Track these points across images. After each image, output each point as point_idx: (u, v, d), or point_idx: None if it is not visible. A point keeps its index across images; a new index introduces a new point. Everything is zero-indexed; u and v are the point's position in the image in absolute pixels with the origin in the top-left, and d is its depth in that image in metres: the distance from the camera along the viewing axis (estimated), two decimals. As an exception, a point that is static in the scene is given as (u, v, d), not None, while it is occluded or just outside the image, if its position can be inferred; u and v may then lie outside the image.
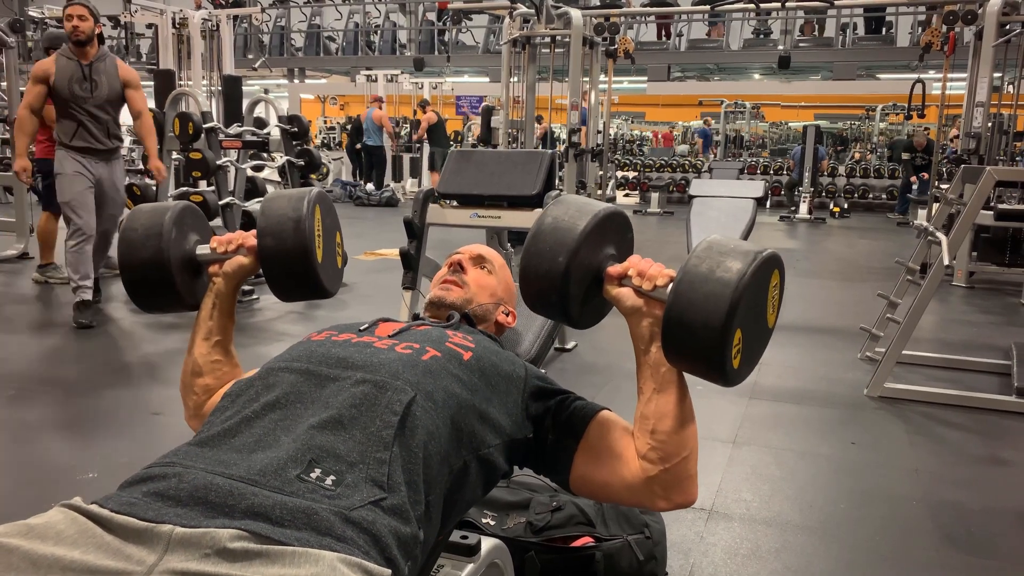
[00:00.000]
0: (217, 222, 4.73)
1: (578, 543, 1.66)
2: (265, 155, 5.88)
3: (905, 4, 9.74)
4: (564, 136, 6.99)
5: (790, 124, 17.73)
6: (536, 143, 7.37)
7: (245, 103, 6.30)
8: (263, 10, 10.47)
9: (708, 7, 7.70)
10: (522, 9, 6.52)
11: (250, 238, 1.28)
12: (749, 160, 13.89)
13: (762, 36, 14.15)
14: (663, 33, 14.51)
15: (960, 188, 3.93)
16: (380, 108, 12.27)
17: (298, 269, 1.24)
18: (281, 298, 1.31)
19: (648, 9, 11.87)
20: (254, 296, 4.76)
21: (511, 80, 6.76)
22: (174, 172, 5.89)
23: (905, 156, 11.27)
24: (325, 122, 16.41)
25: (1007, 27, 5.77)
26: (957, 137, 7.40)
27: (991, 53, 5.77)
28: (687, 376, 1.10)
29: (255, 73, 14.15)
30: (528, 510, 1.72)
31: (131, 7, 9.53)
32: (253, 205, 5.05)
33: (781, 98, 16.33)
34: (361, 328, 1.20)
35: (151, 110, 4.62)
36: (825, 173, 12.37)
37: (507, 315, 1.45)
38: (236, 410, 1.02)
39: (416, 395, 1.01)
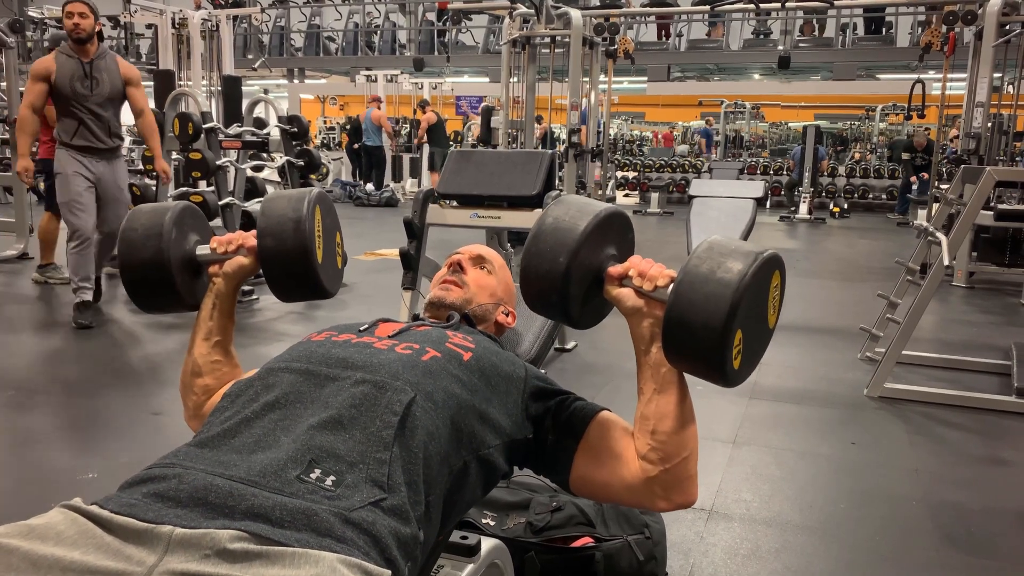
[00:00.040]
0: (217, 222, 4.73)
1: (578, 543, 1.66)
2: (265, 155, 5.88)
3: (905, 4, 9.74)
4: (564, 136, 6.99)
5: (790, 124, 17.74)
6: (536, 143, 7.38)
7: (245, 103, 6.30)
8: (263, 10, 10.47)
9: (708, 7, 7.70)
10: (522, 9, 6.52)
11: (250, 238, 1.28)
12: (749, 160, 13.89)
13: (762, 36, 14.16)
14: (663, 33, 14.51)
15: (960, 188, 3.93)
16: (379, 108, 12.27)
17: (298, 269, 1.24)
18: (281, 298, 1.31)
19: (648, 9, 11.88)
20: (254, 296, 4.76)
21: (511, 80, 6.76)
22: (174, 172, 5.88)
23: (905, 156, 11.27)
24: (325, 122, 16.41)
25: (1007, 27, 5.77)
26: (957, 137, 7.40)
27: (991, 53, 5.77)
28: (687, 376, 1.10)
29: (255, 73, 14.16)
30: (528, 510, 1.72)
31: (131, 7, 9.53)
32: (253, 205, 5.05)
33: (781, 98, 16.34)
34: (361, 329, 1.20)
35: (151, 110, 4.61)
36: (825, 173, 12.37)
37: (507, 315, 1.45)
38: (236, 410, 1.02)
39: (416, 395, 1.01)
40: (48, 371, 3.49)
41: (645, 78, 14.91)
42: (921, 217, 7.38)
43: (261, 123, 5.99)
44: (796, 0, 7.52)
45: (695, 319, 0.98)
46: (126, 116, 4.34)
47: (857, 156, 14.40)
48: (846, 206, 11.85)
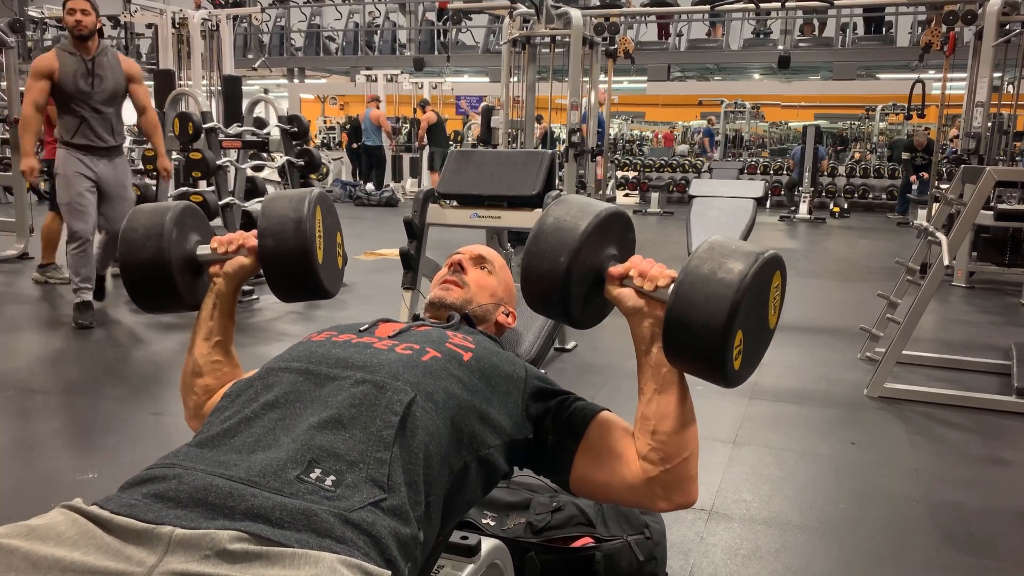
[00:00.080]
0: (217, 222, 4.73)
1: (578, 543, 1.66)
2: (265, 155, 5.88)
3: (905, 4, 9.74)
4: (564, 136, 7.00)
5: (790, 124, 17.74)
6: (536, 143, 7.37)
7: (245, 103, 6.30)
8: (263, 10, 10.47)
9: (708, 7, 7.70)
10: (522, 9, 6.52)
11: (251, 238, 1.28)
12: (749, 160, 13.89)
13: (762, 36, 14.16)
14: (663, 34, 14.51)
15: (960, 188, 3.93)
16: (378, 107, 12.26)
17: (299, 270, 1.24)
18: (282, 298, 1.31)
19: (648, 9, 11.87)
20: (254, 296, 4.76)
21: (511, 80, 6.76)
22: (174, 172, 5.88)
23: (905, 156, 11.27)
24: (325, 122, 16.42)
25: (1007, 27, 5.76)
26: (957, 137, 7.40)
27: (991, 53, 5.77)
28: (688, 376, 1.10)
29: (255, 73, 14.15)
30: (528, 511, 1.72)
31: (131, 7, 9.53)
32: (253, 205, 5.05)
33: (781, 98, 16.34)
34: (361, 329, 1.20)
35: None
36: (825, 173, 12.37)
37: (507, 315, 1.45)
38: (235, 410, 1.02)
39: (416, 396, 1.01)
40: (48, 371, 3.49)
41: (645, 78, 14.90)
42: (921, 217, 7.38)
43: (261, 123, 6.00)
44: (796, 0, 7.52)
45: (696, 319, 0.98)
46: (127, 116, 4.33)
47: (857, 156, 14.40)
48: (846, 206, 11.85)
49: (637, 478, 1.10)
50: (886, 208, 12.31)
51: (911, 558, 1.99)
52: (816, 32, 14.12)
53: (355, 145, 12.70)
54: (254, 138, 5.39)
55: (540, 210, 3.32)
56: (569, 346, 3.85)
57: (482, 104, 12.30)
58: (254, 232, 1.27)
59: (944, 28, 6.68)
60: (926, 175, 10.15)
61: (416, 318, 1.38)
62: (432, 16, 15.72)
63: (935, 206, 4.98)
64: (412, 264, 3.39)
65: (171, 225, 1.27)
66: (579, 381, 3.34)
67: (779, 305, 1.10)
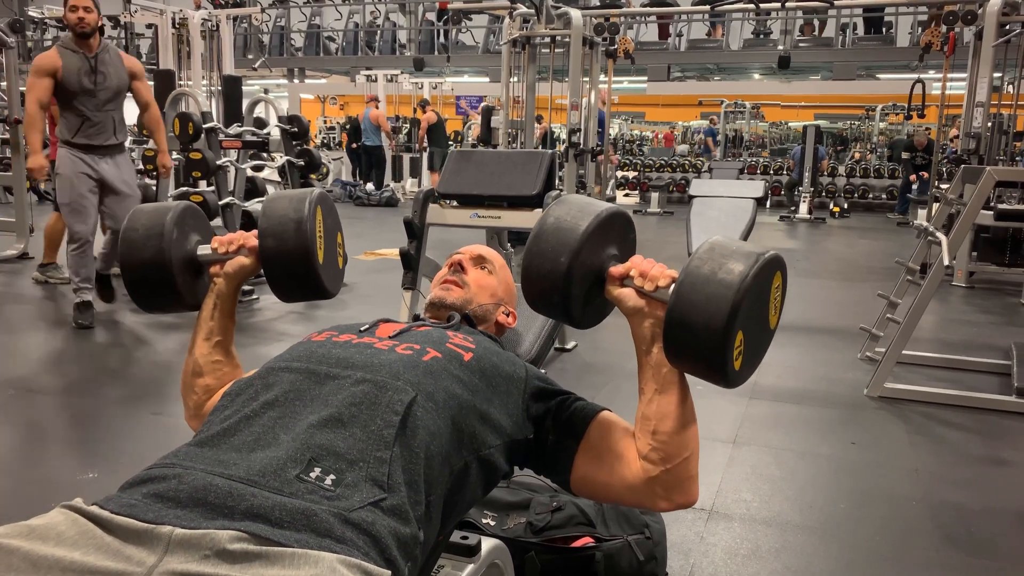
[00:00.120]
0: (217, 222, 4.72)
1: (578, 543, 1.66)
2: (265, 155, 5.88)
3: (905, 4, 9.74)
4: (564, 136, 7.00)
5: (790, 124, 17.74)
6: (536, 143, 7.38)
7: (245, 103, 6.30)
8: (263, 10, 10.47)
9: (708, 7, 7.70)
10: (522, 9, 6.53)
11: (251, 239, 1.28)
12: (749, 160, 13.89)
13: (762, 36, 14.16)
14: (663, 34, 14.52)
15: (960, 188, 3.93)
16: (377, 107, 12.25)
17: (299, 270, 1.24)
18: (282, 299, 1.31)
19: (648, 9, 11.88)
20: (254, 296, 4.76)
21: (511, 80, 6.76)
22: (174, 172, 5.88)
23: (905, 155, 11.27)
24: (325, 122, 16.41)
25: (1007, 27, 5.76)
26: (957, 137, 7.40)
27: (991, 53, 5.77)
28: (688, 376, 1.10)
29: (255, 73, 14.15)
30: (528, 510, 1.72)
31: (131, 7, 9.53)
32: (253, 205, 5.05)
33: (781, 98, 16.34)
34: (362, 329, 1.20)
35: None
36: (825, 173, 12.37)
37: (507, 315, 1.45)
38: (235, 409, 1.02)
39: (417, 395, 1.01)
40: (49, 371, 3.50)
41: (645, 78, 14.91)
42: (921, 217, 7.38)
43: (261, 123, 5.99)
44: (796, 0, 7.52)
45: (696, 320, 0.98)
46: (127, 116, 4.31)
47: (857, 156, 14.40)
48: (846, 206, 11.85)
49: (638, 478, 1.10)
50: (886, 208, 12.31)
51: (911, 558, 1.99)
52: (816, 32, 14.12)
53: (355, 145, 12.69)
54: (254, 138, 5.39)
55: (540, 210, 3.32)
56: (569, 346, 3.85)
57: (482, 104, 12.31)
58: (254, 232, 1.27)
59: (944, 28, 6.68)
60: (926, 175, 10.15)
61: (416, 318, 1.38)
62: (432, 16, 15.72)
63: (935, 206, 4.99)
64: (412, 264, 3.39)
65: (171, 225, 1.27)
66: (579, 381, 3.34)
67: (780, 306, 1.10)
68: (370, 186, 11.90)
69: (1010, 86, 6.31)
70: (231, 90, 7.16)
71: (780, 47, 13.04)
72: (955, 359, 3.76)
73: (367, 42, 16.15)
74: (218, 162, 4.76)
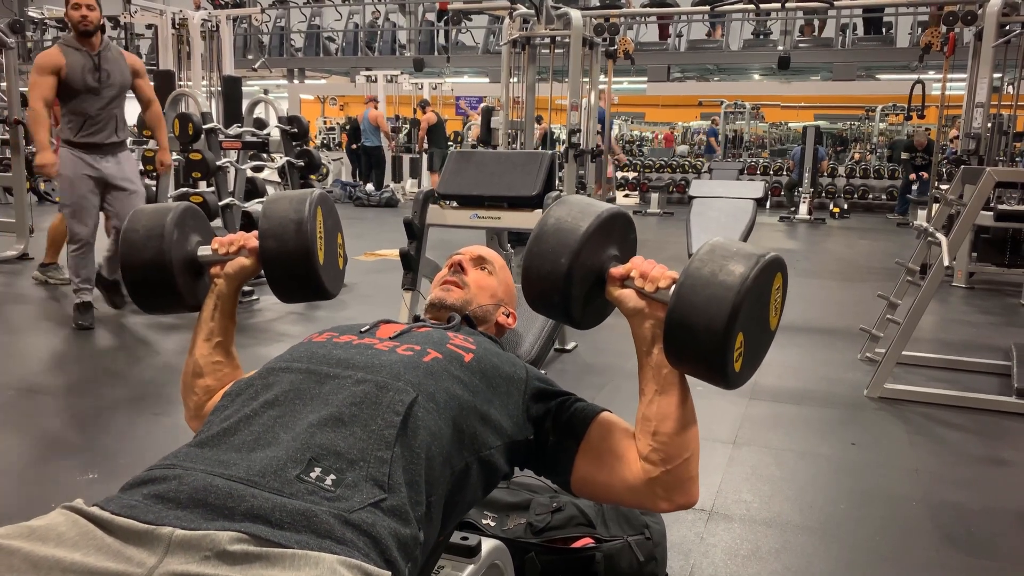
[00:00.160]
0: (217, 223, 4.72)
1: (578, 544, 1.66)
2: (265, 156, 5.88)
3: (905, 4, 9.74)
4: (564, 136, 7.00)
5: (790, 124, 17.74)
6: (536, 143, 7.38)
7: (245, 103, 6.30)
8: (263, 10, 10.47)
9: (708, 7, 7.70)
10: (522, 10, 6.53)
11: (251, 239, 1.28)
12: (749, 160, 13.89)
13: (762, 36, 14.17)
14: (663, 34, 14.53)
15: (960, 189, 3.93)
16: (376, 108, 12.25)
17: (300, 271, 1.24)
18: (282, 299, 1.31)
19: (648, 9, 11.88)
20: (254, 297, 4.76)
21: (511, 80, 6.77)
22: (174, 173, 5.88)
23: (905, 156, 11.27)
24: (325, 122, 16.41)
25: (1007, 27, 5.77)
26: (957, 138, 7.40)
27: (991, 54, 5.77)
28: (688, 377, 1.11)
29: (255, 73, 14.15)
30: (528, 511, 1.72)
31: (131, 7, 9.53)
32: (253, 206, 5.05)
33: (781, 98, 16.34)
34: (362, 330, 1.20)
35: None
36: (825, 174, 12.37)
37: (507, 316, 1.46)
38: (235, 409, 1.02)
39: (418, 396, 1.01)
40: (49, 372, 3.50)
41: (645, 78, 14.92)
42: (921, 217, 7.38)
43: (261, 123, 5.99)
44: (796, 0, 7.53)
45: (696, 321, 0.98)
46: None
47: (857, 156, 14.40)
48: (846, 206, 11.85)
49: (638, 479, 1.10)
50: (886, 209, 12.30)
51: (911, 558, 1.99)
52: (816, 33, 14.13)
53: (355, 146, 12.69)
54: (254, 139, 5.39)
55: (540, 211, 3.32)
56: (569, 347, 3.85)
57: (482, 105, 12.30)
58: (255, 233, 1.27)
59: (944, 29, 6.69)
60: (926, 175, 10.15)
61: (417, 319, 1.39)
62: (432, 16, 15.73)
63: (935, 207, 4.99)
64: (412, 265, 3.39)
65: (172, 226, 1.27)
66: (579, 382, 3.35)
67: (780, 307, 1.10)
68: (370, 187, 11.90)
69: (1010, 86, 6.31)
70: (231, 90, 7.15)
71: (780, 47, 13.04)
72: (955, 360, 3.76)
73: (367, 42, 16.15)
74: (218, 163, 4.76)
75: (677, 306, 1.00)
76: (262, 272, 1.27)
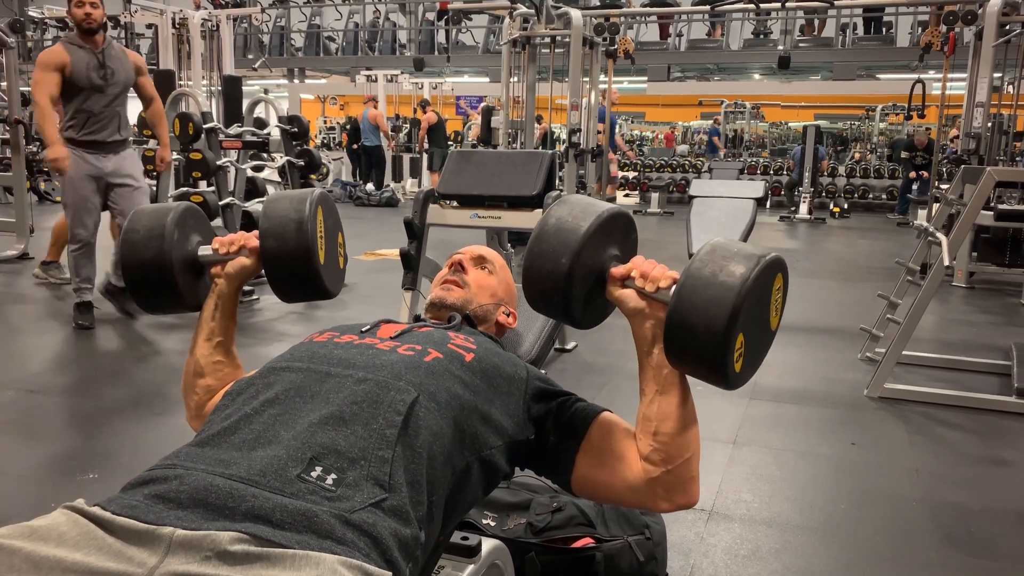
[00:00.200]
0: (217, 222, 4.72)
1: (578, 544, 1.67)
2: (265, 155, 5.88)
3: (905, 4, 9.74)
4: (564, 136, 7.00)
5: (790, 124, 17.74)
6: (536, 143, 7.38)
7: (245, 103, 6.30)
8: (263, 10, 10.48)
9: (708, 7, 7.70)
10: (522, 9, 6.53)
11: (252, 239, 1.28)
12: (749, 160, 13.89)
13: (762, 36, 14.16)
14: (663, 34, 14.53)
15: (960, 188, 3.93)
16: (375, 107, 12.24)
17: (300, 270, 1.24)
18: (283, 299, 1.31)
19: (648, 9, 11.88)
20: (254, 296, 4.76)
21: (511, 80, 6.77)
22: (174, 172, 5.88)
23: (905, 155, 11.28)
24: (325, 122, 16.42)
25: (1007, 27, 5.77)
26: (957, 137, 7.40)
27: (991, 53, 5.77)
28: (688, 377, 1.11)
29: (255, 73, 14.16)
30: (528, 511, 1.72)
31: (131, 7, 9.54)
32: (253, 205, 5.05)
33: (781, 98, 16.34)
34: (363, 330, 1.20)
35: None
36: (825, 173, 12.37)
37: (508, 316, 1.46)
38: (236, 408, 1.02)
39: (419, 396, 1.01)
40: (49, 371, 3.50)
41: (645, 78, 14.92)
42: (921, 217, 7.38)
43: (261, 123, 5.99)
44: (796, 0, 7.52)
45: (697, 322, 0.98)
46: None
47: (857, 156, 14.40)
48: (846, 206, 11.85)
49: (639, 479, 1.10)
50: (886, 208, 12.31)
51: (911, 558, 1.99)
52: (816, 32, 14.13)
53: (355, 146, 12.69)
54: (254, 138, 5.39)
55: (540, 210, 3.32)
56: (569, 346, 3.85)
57: (482, 104, 12.30)
58: (255, 233, 1.27)
59: (944, 28, 6.69)
60: (926, 174, 10.15)
61: (417, 318, 1.39)
62: (432, 16, 15.73)
63: (935, 206, 4.99)
64: (412, 264, 3.39)
65: (172, 226, 1.27)
66: (579, 381, 3.35)
67: (781, 307, 1.10)
68: (370, 186, 11.90)
69: (1010, 86, 6.31)
70: (231, 90, 7.15)
71: (780, 47, 13.05)
72: (955, 359, 3.76)
73: (367, 42, 16.15)
74: (218, 162, 4.76)
75: (677, 307, 1.00)
76: (263, 272, 1.27)
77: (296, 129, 5.63)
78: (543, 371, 1.37)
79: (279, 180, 6.46)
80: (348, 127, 13.84)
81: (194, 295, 1.32)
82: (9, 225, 6.09)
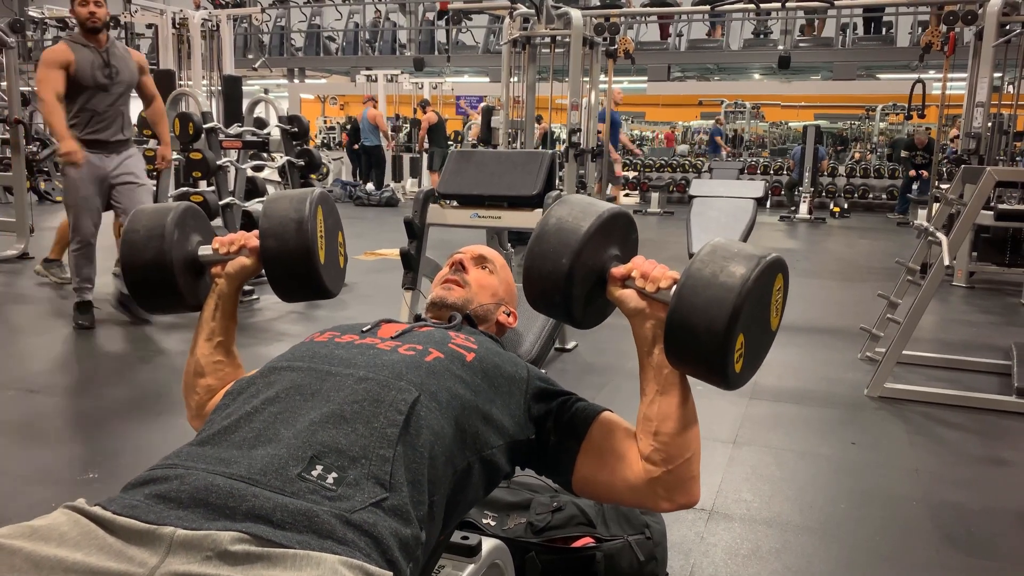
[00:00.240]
0: (217, 222, 4.72)
1: (579, 543, 1.67)
2: (265, 155, 5.88)
3: (905, 4, 9.74)
4: (564, 136, 7.00)
5: (790, 124, 17.74)
6: (536, 143, 7.38)
7: (245, 103, 6.30)
8: (263, 10, 10.48)
9: (708, 7, 7.70)
10: (522, 9, 6.53)
11: (252, 239, 1.28)
12: (749, 160, 13.90)
13: (762, 36, 14.16)
14: (664, 34, 14.53)
15: (960, 188, 3.93)
16: (374, 107, 12.25)
17: (300, 270, 1.24)
18: (283, 299, 1.31)
19: (648, 9, 11.88)
20: (254, 296, 4.76)
21: (511, 80, 6.77)
22: (174, 172, 5.89)
23: (905, 154, 11.28)
24: (325, 122, 16.42)
25: (1007, 27, 5.77)
26: (957, 137, 7.40)
27: (991, 53, 5.77)
28: (689, 377, 1.11)
29: (255, 73, 14.16)
30: (529, 511, 1.72)
31: (131, 7, 9.54)
32: (253, 205, 5.05)
33: (781, 98, 16.35)
34: (364, 329, 1.20)
35: None
36: (825, 173, 12.37)
37: (508, 315, 1.46)
38: (237, 407, 1.03)
39: (420, 395, 1.01)
40: (49, 371, 3.50)
41: (645, 78, 14.92)
42: (921, 217, 7.38)
43: (261, 123, 6.00)
44: (796, 0, 7.52)
45: (697, 323, 0.98)
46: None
47: (857, 156, 14.40)
48: (846, 206, 11.85)
49: (639, 479, 1.10)
50: (886, 208, 12.31)
51: (911, 558, 1.99)
52: (816, 32, 14.13)
53: (355, 146, 12.69)
54: (254, 138, 5.39)
55: (540, 210, 3.32)
56: (569, 346, 3.85)
57: (482, 104, 12.30)
58: (255, 232, 1.27)
59: (944, 28, 6.69)
60: (926, 173, 10.16)
61: (418, 318, 1.39)
62: (432, 16, 15.72)
63: (935, 206, 4.99)
64: (412, 264, 3.39)
65: (172, 226, 1.27)
66: (580, 381, 3.35)
67: (781, 308, 1.10)
68: (370, 186, 11.90)
69: (1010, 86, 6.31)
70: (231, 90, 7.16)
71: (780, 47, 13.05)
72: (955, 359, 3.76)
73: (367, 42, 16.15)
74: (218, 162, 4.76)
75: (678, 307, 1.00)
76: (263, 271, 1.27)
77: (296, 129, 5.63)
78: (543, 371, 1.37)
79: (279, 180, 6.47)
80: (348, 127, 13.84)
81: (194, 295, 1.32)
82: (9, 225, 6.09)
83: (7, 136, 6.40)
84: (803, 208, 10.99)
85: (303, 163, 5.55)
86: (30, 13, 11.38)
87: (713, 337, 0.98)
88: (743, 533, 2.08)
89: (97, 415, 2.91)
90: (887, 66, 14.36)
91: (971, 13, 6.22)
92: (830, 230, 10.11)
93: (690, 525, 2.10)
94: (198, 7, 9.04)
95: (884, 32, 13.45)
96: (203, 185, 5.13)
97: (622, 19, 9.84)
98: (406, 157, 12.68)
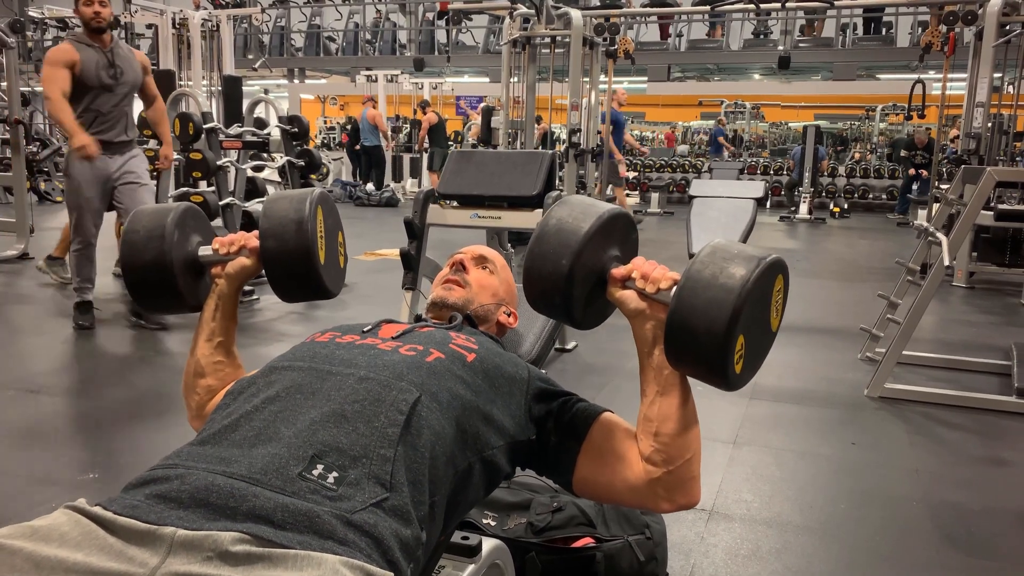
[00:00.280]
0: (217, 223, 4.72)
1: (579, 544, 1.67)
2: (265, 155, 5.88)
3: (905, 4, 9.75)
4: (564, 136, 7.00)
5: (790, 124, 17.73)
6: (536, 143, 7.38)
7: (245, 103, 6.30)
8: (263, 10, 10.48)
9: (708, 7, 7.70)
10: (522, 9, 6.53)
11: (252, 239, 1.29)
12: (749, 160, 13.89)
13: (762, 36, 14.17)
14: (664, 34, 14.53)
15: (960, 188, 3.93)
16: (374, 107, 12.24)
17: (300, 270, 1.24)
18: (283, 299, 1.31)
19: (648, 9, 11.88)
20: (255, 296, 4.76)
21: (511, 80, 6.77)
22: (174, 172, 5.89)
23: (904, 153, 11.28)
24: (325, 122, 16.42)
25: (1007, 27, 5.77)
26: (957, 137, 7.40)
27: (991, 53, 5.77)
28: (689, 377, 1.11)
29: (255, 73, 14.15)
30: (529, 511, 1.72)
31: (131, 7, 9.54)
32: (253, 205, 5.05)
33: (781, 98, 16.34)
34: (365, 330, 1.20)
35: None
36: (825, 173, 12.37)
37: (508, 316, 1.46)
38: (237, 406, 1.03)
39: (421, 396, 1.01)
40: (49, 371, 3.50)
41: (645, 78, 14.92)
42: (921, 217, 7.38)
43: (261, 123, 5.99)
44: (796, 0, 7.53)
45: (697, 324, 0.98)
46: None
47: (857, 156, 14.40)
48: (846, 206, 11.86)
49: (640, 479, 1.10)
50: (886, 208, 12.31)
51: (911, 558, 1.99)
52: (816, 32, 14.13)
53: (356, 146, 12.69)
54: (254, 138, 5.39)
55: (540, 211, 3.32)
56: (569, 346, 3.85)
57: (482, 104, 12.30)
58: (255, 233, 1.27)
59: (944, 28, 6.69)
60: (925, 173, 10.15)
61: (418, 318, 1.39)
62: (432, 16, 15.73)
63: (935, 206, 4.99)
64: (412, 264, 3.39)
65: (172, 227, 1.27)
66: (580, 382, 3.35)
67: (781, 309, 1.10)
68: (370, 186, 11.90)
69: (1010, 86, 6.31)
70: (231, 90, 7.15)
71: (780, 47, 13.05)
72: (955, 359, 3.76)
73: (367, 42, 16.15)
74: (218, 162, 4.76)
75: (678, 308, 1.00)
76: (263, 272, 1.27)
77: (296, 129, 5.63)
78: (544, 371, 1.37)
79: (279, 180, 6.46)
80: (348, 127, 13.84)
81: (194, 295, 1.32)
82: (9, 225, 6.09)
83: (7, 136, 6.40)
84: (803, 208, 11.00)
85: (303, 163, 5.56)
86: (30, 13, 11.37)
87: (713, 338, 0.98)
88: (743, 533, 2.08)
89: (97, 415, 2.91)
90: (887, 66, 14.37)
91: (971, 13, 6.22)
92: (830, 230, 10.12)
93: (690, 525, 2.10)
94: (198, 7, 9.04)
95: (884, 32, 13.46)
96: (203, 185, 5.13)
97: (622, 19, 9.84)
98: (406, 157, 12.68)
